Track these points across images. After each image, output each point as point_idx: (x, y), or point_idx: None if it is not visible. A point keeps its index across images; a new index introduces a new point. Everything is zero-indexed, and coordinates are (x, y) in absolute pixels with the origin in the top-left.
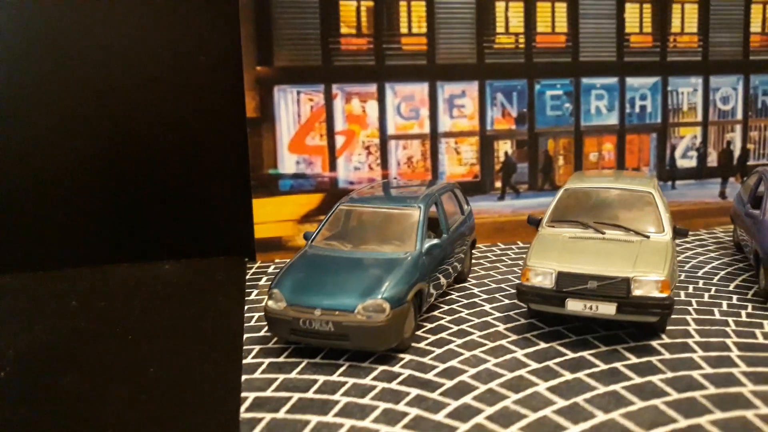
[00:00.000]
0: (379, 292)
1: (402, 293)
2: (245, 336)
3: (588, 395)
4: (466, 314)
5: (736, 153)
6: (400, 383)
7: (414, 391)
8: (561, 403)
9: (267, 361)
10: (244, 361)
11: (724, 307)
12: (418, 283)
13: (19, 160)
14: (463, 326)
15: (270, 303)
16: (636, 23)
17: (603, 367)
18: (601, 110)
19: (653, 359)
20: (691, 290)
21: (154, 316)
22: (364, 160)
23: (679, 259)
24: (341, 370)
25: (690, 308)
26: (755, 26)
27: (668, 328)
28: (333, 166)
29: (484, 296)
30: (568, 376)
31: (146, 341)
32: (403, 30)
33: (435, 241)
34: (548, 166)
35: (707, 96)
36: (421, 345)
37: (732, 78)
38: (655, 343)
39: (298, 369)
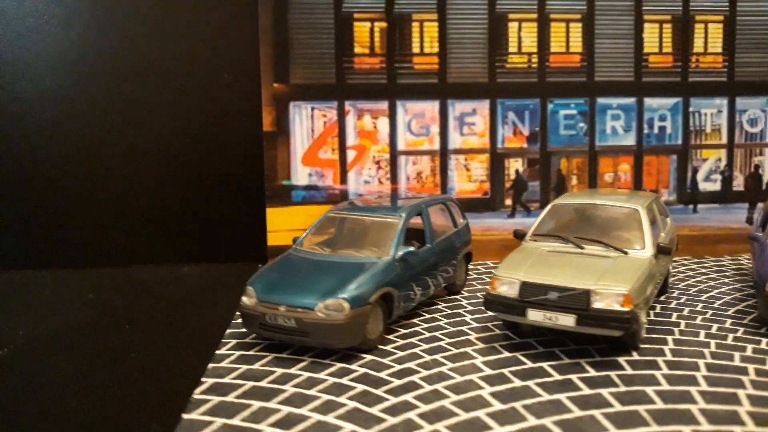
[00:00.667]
0: (340, 292)
1: (364, 295)
2: (228, 331)
3: (528, 401)
4: (445, 323)
5: (766, 177)
6: (352, 379)
7: (360, 387)
8: (498, 406)
9: (238, 353)
10: (218, 352)
11: (713, 330)
12: (386, 287)
13: (61, 168)
14: (437, 333)
15: (244, 299)
16: (655, 43)
17: (557, 377)
18: (617, 130)
19: (612, 373)
20: (685, 312)
21: (157, 311)
22: (374, 174)
23: (687, 282)
24: (302, 364)
25: (676, 329)
26: None
27: (644, 346)
28: (344, 179)
29: (470, 308)
30: (517, 383)
31: (141, 331)
32: (415, 49)
33: (410, 248)
34: (561, 185)
35: (733, 118)
36: (388, 347)
37: (761, 100)
38: (622, 359)
39: (263, 361)
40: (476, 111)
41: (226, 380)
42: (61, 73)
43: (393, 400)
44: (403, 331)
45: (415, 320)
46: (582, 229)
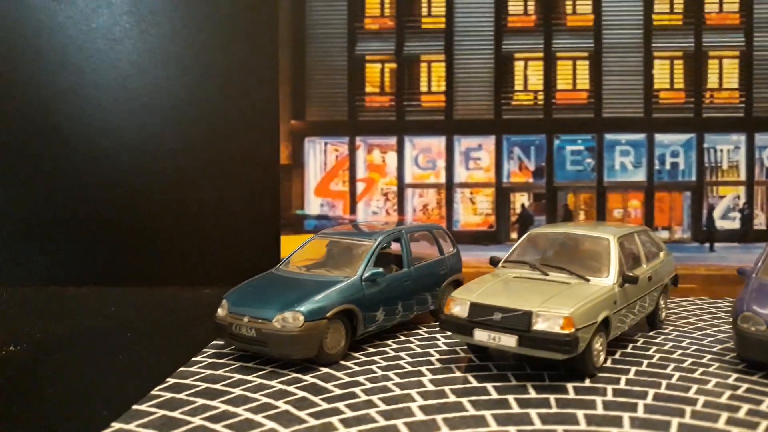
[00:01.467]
0: (297, 305)
1: (321, 309)
2: (214, 342)
3: (451, 415)
4: (415, 345)
5: None
6: (298, 387)
7: (301, 394)
8: (419, 417)
9: (210, 360)
10: (194, 358)
11: (685, 365)
12: (347, 304)
13: (96, 194)
14: (402, 353)
15: (219, 310)
16: (666, 79)
17: (494, 396)
18: (626, 166)
19: (552, 396)
20: (667, 347)
21: (163, 325)
22: (382, 206)
23: (687, 320)
24: (260, 373)
25: (646, 360)
26: None
27: (602, 374)
28: (353, 210)
29: (448, 333)
30: (451, 399)
31: (139, 339)
32: (423, 88)
33: (378, 270)
34: (568, 219)
35: (752, 154)
36: (348, 362)
37: None
38: (571, 384)
39: (228, 368)
40: (482, 146)
41: (186, 381)
42: (111, 107)
43: (324, 406)
44: (371, 349)
45: (388, 341)
46: (553, 257)
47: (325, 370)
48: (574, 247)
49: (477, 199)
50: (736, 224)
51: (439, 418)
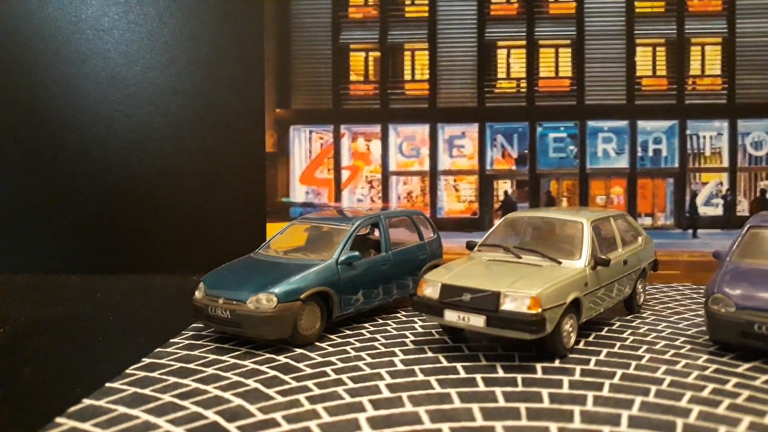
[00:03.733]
0: (271, 287)
1: (294, 291)
2: (194, 325)
3: (416, 393)
4: (392, 327)
5: None
6: (271, 367)
7: (273, 373)
8: (385, 394)
9: (188, 342)
10: (172, 339)
11: (657, 347)
12: (321, 287)
13: (86, 183)
14: (378, 335)
15: (196, 293)
16: (648, 66)
17: (462, 375)
18: (609, 153)
19: (519, 376)
20: (642, 330)
21: (145, 309)
22: (367, 193)
23: (667, 305)
24: (235, 353)
25: (619, 343)
26: None
27: (573, 355)
28: (338, 197)
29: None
30: (419, 378)
31: (120, 322)
32: (407, 76)
33: (354, 253)
34: (551, 206)
35: (735, 140)
36: (323, 344)
37: (765, 122)
38: (540, 365)
39: (204, 349)
40: (465, 134)
41: (162, 361)
42: (99, 97)
43: (293, 384)
44: (348, 331)
45: (366, 324)
46: (529, 241)
47: (299, 350)
48: (548, 231)
49: (460, 186)
50: (719, 210)
51: (404, 395)
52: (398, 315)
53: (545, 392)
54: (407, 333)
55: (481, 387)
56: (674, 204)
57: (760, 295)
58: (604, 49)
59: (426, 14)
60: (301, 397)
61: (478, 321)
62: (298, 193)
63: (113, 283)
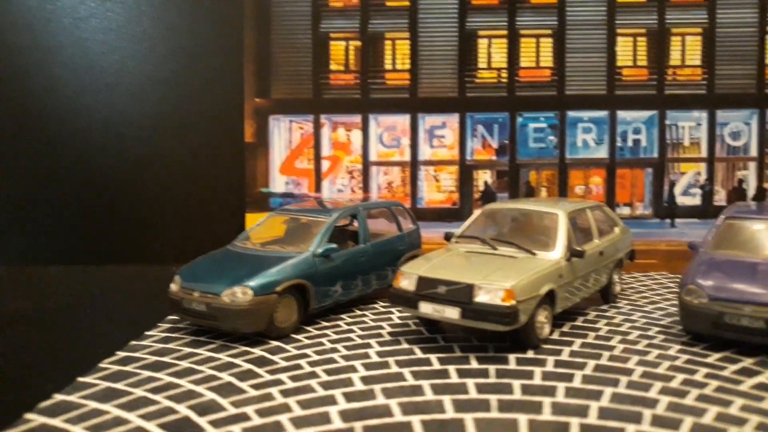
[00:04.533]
0: (247, 280)
1: (270, 284)
2: (169, 317)
3: (390, 385)
4: (369, 319)
5: (750, 192)
6: (246, 360)
7: (247, 366)
8: (358, 387)
9: (164, 335)
10: (147, 332)
11: (631, 337)
12: (298, 279)
13: (65, 174)
14: (354, 327)
15: (171, 285)
16: (629, 56)
17: (435, 367)
18: (588, 143)
19: (492, 367)
20: (616, 320)
21: (123, 300)
22: (347, 184)
23: (643, 294)
24: (211, 346)
25: (593, 333)
26: None
27: (547, 346)
28: (318, 188)
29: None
30: (393, 370)
31: (96, 314)
32: (388, 66)
33: (332, 245)
34: (530, 196)
35: (713, 130)
36: (299, 336)
37: (744, 112)
38: (513, 356)
39: (179, 342)
40: (446, 124)
41: (136, 354)
42: (77, 87)
43: (267, 377)
44: (325, 323)
45: (343, 315)
46: (506, 232)
47: (275, 343)
48: (525, 223)
49: (441, 176)
50: (697, 200)
51: (377, 387)
52: (376, 306)
53: (517, 383)
54: (384, 324)
55: (454, 378)
56: (653, 194)
57: (732, 286)
58: (585, 39)
59: (407, 3)
60: (275, 390)
61: (452, 313)
62: (278, 184)
63: (91, 275)
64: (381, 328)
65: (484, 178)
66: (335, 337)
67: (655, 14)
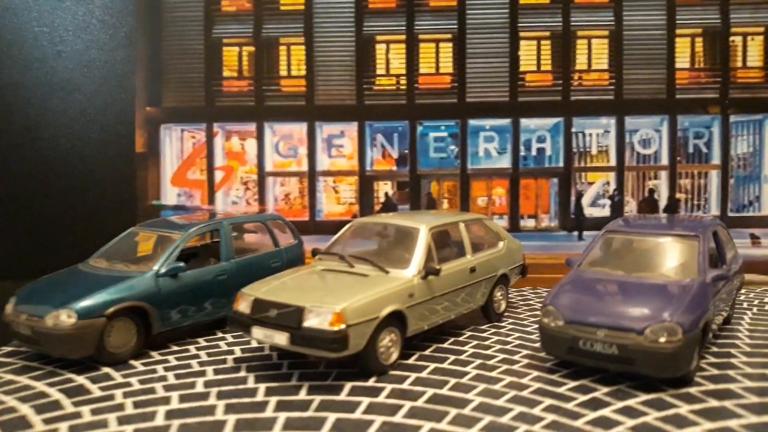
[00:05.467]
0: (73, 302)
1: (99, 307)
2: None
3: (189, 420)
4: (226, 342)
5: (662, 203)
6: (62, 389)
7: (57, 396)
8: (158, 422)
9: None
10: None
11: (492, 361)
12: (135, 301)
13: None
14: (203, 351)
15: (7, 306)
16: (533, 61)
17: (257, 398)
18: (491, 153)
19: (320, 398)
20: (489, 341)
21: None
22: (242, 195)
23: (536, 311)
24: (36, 373)
25: (452, 356)
26: (682, 62)
27: (397, 372)
28: (212, 200)
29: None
30: (209, 401)
31: None
32: (283, 72)
33: (180, 264)
34: (431, 208)
35: (622, 138)
36: (137, 361)
37: (654, 119)
38: (352, 384)
39: (5, 368)
40: (344, 133)
41: None
42: None
43: (69, 410)
44: (175, 348)
45: (201, 338)
46: (369, 248)
47: (105, 370)
48: (389, 238)
49: (340, 187)
50: (606, 211)
51: (176, 423)
52: None
53: (332, 417)
54: (236, 349)
55: (268, 413)
56: (559, 205)
57: (588, 308)
58: (487, 43)
59: (302, 7)
60: (64, 426)
61: (281, 339)
62: (170, 196)
63: None
64: (231, 353)
65: (384, 189)
66: (174, 363)
67: (559, 16)
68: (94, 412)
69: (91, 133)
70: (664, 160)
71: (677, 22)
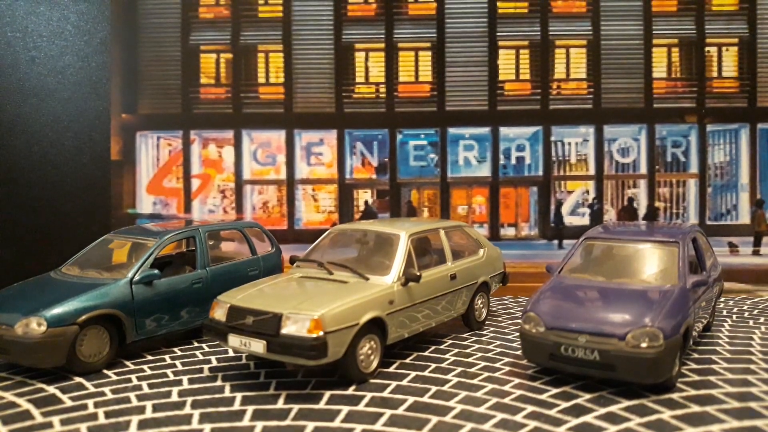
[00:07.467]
0: (43, 310)
1: (70, 315)
2: None
3: (166, 429)
4: (202, 352)
5: (641, 211)
6: (31, 399)
7: (26, 407)
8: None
9: None
10: None
11: (473, 369)
12: (108, 309)
13: None
14: (179, 360)
15: None
16: (511, 70)
17: (233, 408)
18: (470, 161)
19: (297, 406)
20: (471, 349)
21: None
22: (219, 203)
23: (517, 319)
24: (7, 383)
25: (433, 364)
26: (659, 71)
27: (378, 380)
28: (188, 208)
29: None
30: (184, 410)
31: None
32: (261, 79)
33: (154, 272)
34: (412, 216)
35: (601, 147)
36: (111, 371)
37: (632, 128)
38: (331, 392)
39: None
40: (323, 141)
41: None
42: None
43: (37, 420)
44: (150, 357)
45: (177, 347)
46: (349, 255)
47: (78, 379)
48: (369, 245)
49: (319, 196)
50: (585, 220)
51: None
52: None
53: (311, 426)
54: (213, 358)
55: (245, 422)
56: (539, 213)
57: (569, 314)
58: (466, 52)
59: (280, 14)
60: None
61: (258, 346)
62: (146, 204)
63: None
64: (207, 362)
65: (364, 197)
66: (149, 372)
67: (537, 26)
68: (64, 422)
69: (64, 140)
70: (643, 169)
71: (654, 32)
